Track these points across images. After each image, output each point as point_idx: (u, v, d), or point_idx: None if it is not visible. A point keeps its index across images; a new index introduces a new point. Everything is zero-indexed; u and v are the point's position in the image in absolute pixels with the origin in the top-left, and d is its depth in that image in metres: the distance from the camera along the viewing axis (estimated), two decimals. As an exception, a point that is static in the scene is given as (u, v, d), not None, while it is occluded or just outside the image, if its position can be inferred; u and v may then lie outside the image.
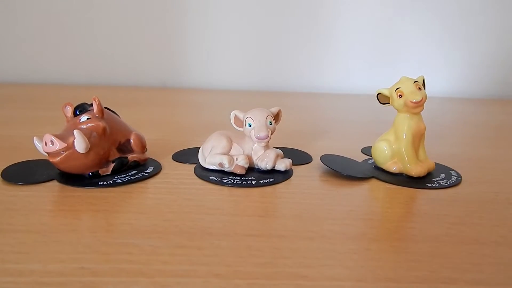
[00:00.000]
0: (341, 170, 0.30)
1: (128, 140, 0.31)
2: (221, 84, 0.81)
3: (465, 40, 0.78)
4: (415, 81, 0.29)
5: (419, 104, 0.29)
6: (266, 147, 0.31)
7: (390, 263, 0.19)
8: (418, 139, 0.31)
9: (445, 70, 0.80)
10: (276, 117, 0.31)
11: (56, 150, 0.26)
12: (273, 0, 0.77)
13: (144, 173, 0.30)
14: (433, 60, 0.79)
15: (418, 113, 0.30)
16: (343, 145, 0.40)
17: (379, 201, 0.27)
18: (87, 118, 0.28)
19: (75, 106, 0.29)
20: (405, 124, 0.30)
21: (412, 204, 0.26)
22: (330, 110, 0.62)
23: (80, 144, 0.26)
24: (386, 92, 0.31)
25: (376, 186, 0.29)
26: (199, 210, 0.24)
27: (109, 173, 0.29)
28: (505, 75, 0.80)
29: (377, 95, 0.31)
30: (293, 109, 0.60)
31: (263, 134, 0.29)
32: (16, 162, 0.31)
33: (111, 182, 0.28)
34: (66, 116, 0.29)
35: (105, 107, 0.30)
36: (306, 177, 0.30)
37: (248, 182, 0.29)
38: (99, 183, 0.27)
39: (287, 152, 0.34)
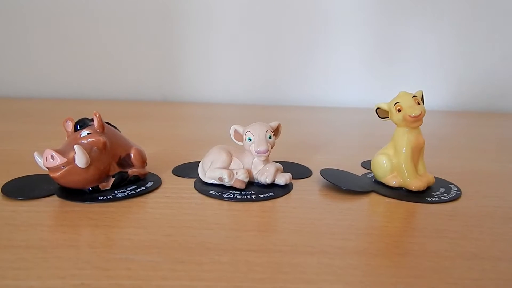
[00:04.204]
0: (340, 184, 0.30)
1: (129, 155, 0.31)
2: (221, 98, 0.81)
3: (462, 55, 0.79)
4: (413, 96, 0.30)
5: (418, 119, 0.29)
6: (266, 161, 0.31)
7: (390, 278, 0.19)
8: (417, 153, 0.31)
9: (443, 84, 0.81)
10: (276, 131, 0.32)
11: (57, 165, 0.26)
12: (272, 15, 0.78)
13: (144, 188, 0.30)
14: (431, 75, 0.80)
15: (417, 127, 0.30)
16: (342, 159, 0.40)
17: (379, 216, 0.27)
18: (88, 133, 0.28)
19: (76, 121, 0.29)
20: (404, 138, 0.30)
21: (412, 219, 0.26)
22: (330, 124, 0.62)
23: (80, 159, 0.26)
24: (385, 107, 0.31)
25: (375, 200, 0.29)
26: (199, 225, 0.24)
27: (109, 187, 0.29)
28: (501, 88, 0.80)
29: (376, 109, 0.31)
30: (293, 123, 0.61)
31: (263, 148, 0.29)
32: (16, 176, 0.31)
33: (111, 197, 0.28)
34: (67, 131, 0.29)
35: (105, 122, 0.30)
36: (306, 191, 0.31)
37: (248, 197, 0.29)
38: (99, 198, 0.27)
39: (287, 166, 0.34)
